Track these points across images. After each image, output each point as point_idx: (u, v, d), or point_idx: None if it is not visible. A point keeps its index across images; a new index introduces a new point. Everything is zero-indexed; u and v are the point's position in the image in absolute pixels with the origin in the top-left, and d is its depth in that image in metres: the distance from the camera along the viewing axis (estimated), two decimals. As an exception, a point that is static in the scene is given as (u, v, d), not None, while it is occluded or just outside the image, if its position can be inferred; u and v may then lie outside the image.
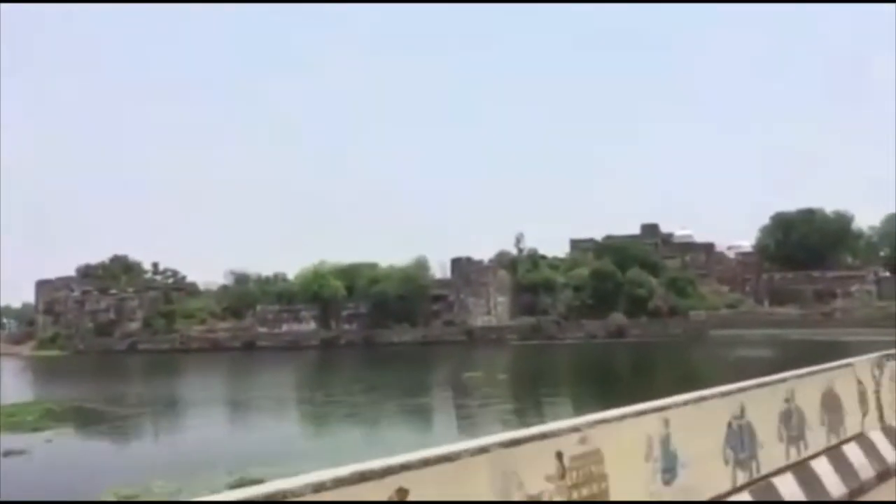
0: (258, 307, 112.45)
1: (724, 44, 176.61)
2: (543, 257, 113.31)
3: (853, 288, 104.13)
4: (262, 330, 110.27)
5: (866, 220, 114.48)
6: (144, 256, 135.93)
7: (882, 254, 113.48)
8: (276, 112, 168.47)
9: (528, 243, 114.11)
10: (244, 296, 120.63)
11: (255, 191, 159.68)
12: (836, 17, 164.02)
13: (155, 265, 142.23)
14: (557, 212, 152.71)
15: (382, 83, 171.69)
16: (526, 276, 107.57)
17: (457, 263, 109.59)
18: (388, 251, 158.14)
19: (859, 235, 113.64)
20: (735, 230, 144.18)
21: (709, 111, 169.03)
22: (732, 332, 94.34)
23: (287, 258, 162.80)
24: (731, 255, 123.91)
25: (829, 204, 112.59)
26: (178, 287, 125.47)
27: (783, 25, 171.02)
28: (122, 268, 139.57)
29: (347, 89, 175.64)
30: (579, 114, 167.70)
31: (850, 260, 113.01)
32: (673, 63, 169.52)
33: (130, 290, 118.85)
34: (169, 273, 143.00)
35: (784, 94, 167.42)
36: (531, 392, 43.01)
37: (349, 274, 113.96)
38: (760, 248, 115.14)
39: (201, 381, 65.32)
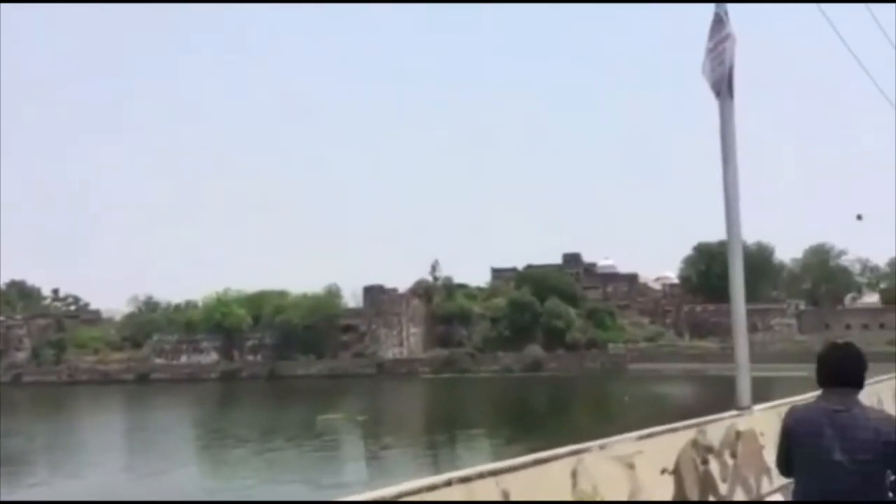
0: (155, 337, 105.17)
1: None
2: (462, 286, 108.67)
3: (773, 321, 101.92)
4: (159, 361, 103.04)
5: (788, 252, 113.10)
6: (47, 282, 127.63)
7: (804, 286, 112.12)
8: (191, 127, 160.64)
9: (455, 272, 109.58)
10: (147, 324, 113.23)
11: (166, 212, 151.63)
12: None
13: (55, 291, 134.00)
14: (482, 240, 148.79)
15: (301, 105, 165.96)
16: (442, 305, 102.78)
17: (369, 292, 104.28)
18: (303, 279, 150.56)
19: (781, 268, 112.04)
20: (664, 260, 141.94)
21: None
22: (651, 366, 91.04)
23: (201, 284, 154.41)
24: (657, 286, 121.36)
25: (750, 235, 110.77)
26: (73, 315, 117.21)
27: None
28: (18, 293, 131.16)
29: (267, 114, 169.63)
30: (501, 137, 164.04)
31: (772, 292, 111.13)
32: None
33: (18, 317, 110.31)
34: (70, 299, 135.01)
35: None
36: (377, 437, 38.40)
37: (256, 302, 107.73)
38: (683, 280, 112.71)
39: (61, 417, 58.96)
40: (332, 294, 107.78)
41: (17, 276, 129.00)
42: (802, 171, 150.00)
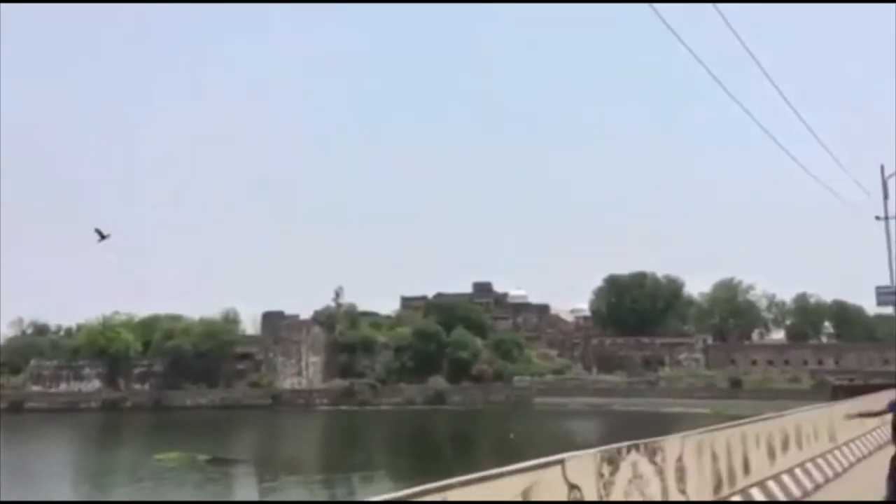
0: (32, 362, 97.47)
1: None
2: (368, 314, 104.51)
3: (681, 356, 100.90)
4: (36, 389, 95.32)
5: (696, 286, 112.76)
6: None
7: (712, 321, 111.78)
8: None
9: (365, 301, 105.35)
10: (28, 349, 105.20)
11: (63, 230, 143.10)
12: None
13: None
14: (393, 268, 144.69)
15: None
16: (345, 333, 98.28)
17: (268, 318, 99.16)
18: (201, 304, 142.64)
19: (690, 302, 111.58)
20: (580, 292, 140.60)
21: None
22: (557, 399, 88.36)
23: (99, 308, 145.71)
24: (570, 317, 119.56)
25: (660, 268, 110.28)
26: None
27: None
28: None
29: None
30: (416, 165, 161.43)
31: (682, 326, 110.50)
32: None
33: None
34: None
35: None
36: (217, 480, 34.02)
37: (148, 327, 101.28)
38: (594, 312, 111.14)
39: None
40: (230, 320, 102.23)
41: None
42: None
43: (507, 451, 47.42)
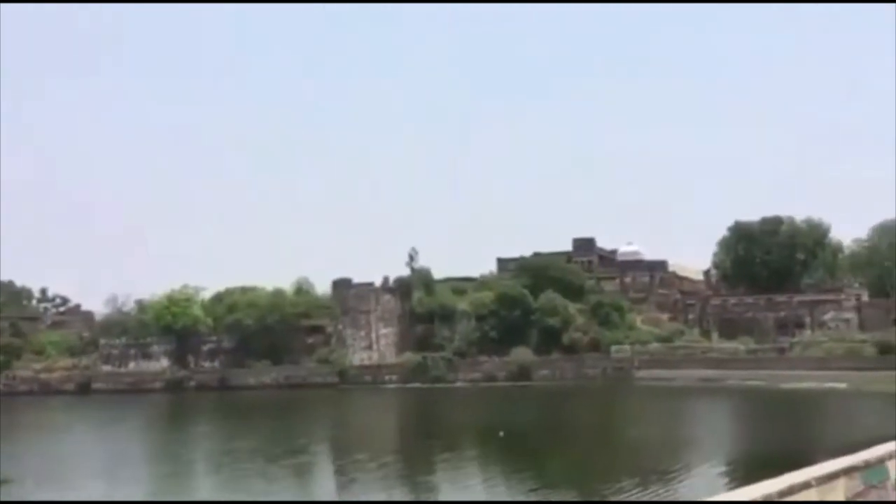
0: (101, 341, 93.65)
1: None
2: (450, 279, 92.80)
3: (826, 316, 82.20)
4: (106, 368, 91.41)
5: (847, 231, 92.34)
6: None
7: (870, 273, 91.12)
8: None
9: (454, 265, 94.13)
10: (115, 326, 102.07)
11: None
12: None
13: (42, 291, 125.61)
14: (489, 229, 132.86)
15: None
16: (422, 302, 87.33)
17: (337, 287, 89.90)
18: (280, 274, 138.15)
19: (839, 250, 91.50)
20: (701, 245, 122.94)
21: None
22: (662, 373, 73.55)
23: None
24: (695, 275, 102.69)
25: (799, 211, 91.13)
26: (32, 317, 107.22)
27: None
28: (6, 294, 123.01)
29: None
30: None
31: (829, 280, 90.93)
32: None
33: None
34: (58, 300, 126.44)
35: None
36: None
37: (219, 301, 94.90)
38: (716, 266, 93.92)
39: None
40: (302, 291, 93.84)
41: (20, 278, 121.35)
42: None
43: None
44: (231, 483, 30.84)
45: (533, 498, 27.03)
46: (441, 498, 28.27)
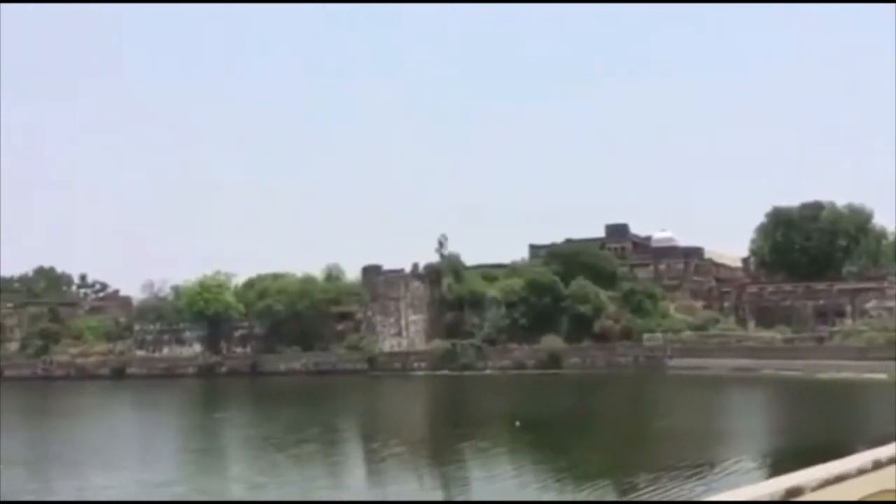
0: (136, 326, 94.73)
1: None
2: (481, 266, 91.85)
3: (869, 304, 79.64)
4: (140, 354, 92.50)
5: (892, 216, 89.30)
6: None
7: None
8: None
9: (486, 252, 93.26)
10: (151, 312, 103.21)
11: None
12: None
13: (82, 277, 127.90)
14: (522, 218, 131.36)
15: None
16: (452, 288, 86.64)
17: (367, 273, 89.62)
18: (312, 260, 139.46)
19: (882, 236, 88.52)
20: (738, 232, 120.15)
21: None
22: (695, 361, 71.97)
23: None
24: (733, 263, 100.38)
25: (841, 197, 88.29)
26: (71, 303, 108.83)
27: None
28: (46, 280, 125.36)
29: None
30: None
31: (872, 268, 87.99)
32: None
33: (10, 305, 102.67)
34: (97, 286, 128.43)
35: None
36: None
37: (257, 286, 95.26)
38: (754, 253, 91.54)
39: None
40: (332, 277, 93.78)
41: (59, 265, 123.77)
42: None
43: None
44: (267, 469, 31.85)
45: (556, 489, 26.80)
46: (466, 491, 28.26)
